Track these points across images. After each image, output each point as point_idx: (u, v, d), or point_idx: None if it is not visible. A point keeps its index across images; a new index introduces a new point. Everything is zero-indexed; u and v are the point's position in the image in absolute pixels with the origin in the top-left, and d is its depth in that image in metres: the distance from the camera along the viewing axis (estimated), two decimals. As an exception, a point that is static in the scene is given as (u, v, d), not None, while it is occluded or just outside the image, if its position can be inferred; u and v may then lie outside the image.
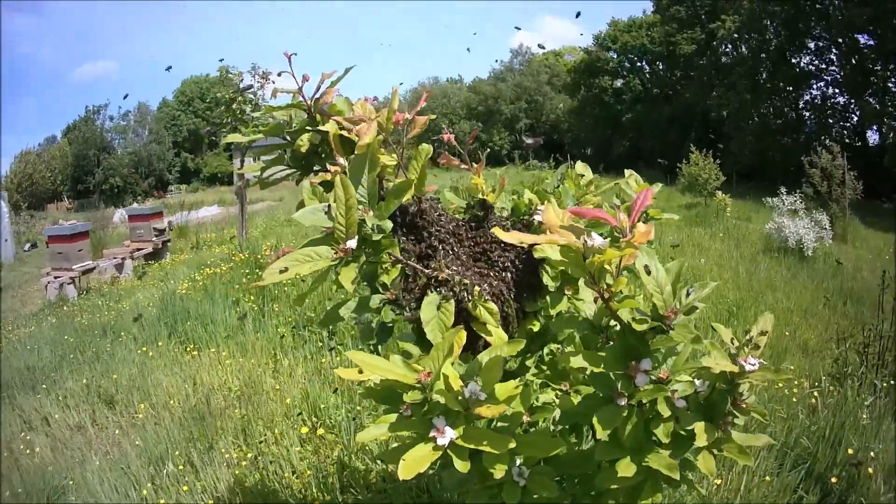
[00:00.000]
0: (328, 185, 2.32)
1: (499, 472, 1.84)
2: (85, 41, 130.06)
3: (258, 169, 2.78)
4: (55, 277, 14.93)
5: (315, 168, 2.64)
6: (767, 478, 4.64)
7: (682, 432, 2.04)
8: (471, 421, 1.87)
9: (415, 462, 1.74)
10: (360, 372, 1.87)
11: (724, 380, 2.09)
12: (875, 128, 42.52)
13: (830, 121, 47.04)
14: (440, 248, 2.38)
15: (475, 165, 2.57)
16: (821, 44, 47.75)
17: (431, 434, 1.81)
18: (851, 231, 20.23)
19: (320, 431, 5.62)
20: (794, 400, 5.90)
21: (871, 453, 4.88)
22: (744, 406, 2.14)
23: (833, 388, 6.33)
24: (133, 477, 5.40)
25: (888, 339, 6.98)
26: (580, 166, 2.91)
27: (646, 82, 65.83)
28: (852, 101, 44.82)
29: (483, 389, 1.89)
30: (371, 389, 2.04)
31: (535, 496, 2.09)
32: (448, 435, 1.79)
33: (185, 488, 5.08)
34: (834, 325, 8.87)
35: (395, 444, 1.95)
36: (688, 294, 2.06)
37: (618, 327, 2.08)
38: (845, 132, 47.07)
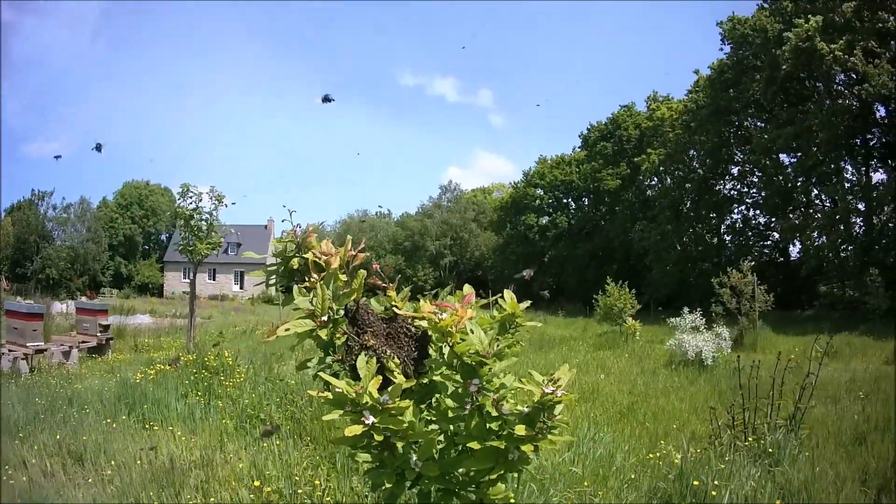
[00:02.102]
0: (308, 290, 4.07)
1: (399, 444, 3.58)
2: (41, 116, 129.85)
3: (263, 275, 4.48)
4: (9, 350, 15.95)
5: (296, 279, 4.40)
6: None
7: (511, 431, 3.81)
8: (384, 415, 3.60)
9: (351, 432, 3.46)
10: (327, 384, 3.61)
11: (538, 402, 3.83)
12: (798, 242, 44.62)
13: (751, 241, 49.86)
14: (368, 330, 4.12)
15: (391, 285, 4.35)
16: (744, 168, 50.61)
17: (362, 420, 3.52)
18: (762, 339, 21.58)
19: (266, 489, 7.01)
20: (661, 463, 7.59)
21: (715, 481, 6.45)
22: (554, 419, 3.89)
23: (699, 451, 8.01)
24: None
25: (751, 410, 8.90)
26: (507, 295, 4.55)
27: (570, 219, 67.98)
28: (773, 219, 47.38)
29: (390, 398, 3.61)
30: (329, 400, 3.75)
31: (425, 480, 3.85)
32: (370, 419, 3.51)
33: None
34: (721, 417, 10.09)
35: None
36: (498, 345, 3.82)
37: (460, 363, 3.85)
38: (766, 250, 49.96)
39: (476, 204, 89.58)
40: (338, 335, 4.04)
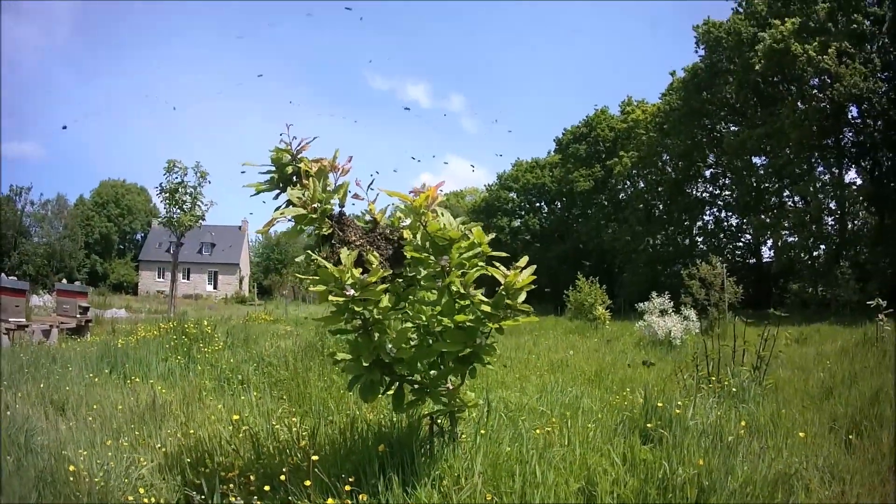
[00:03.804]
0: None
1: (376, 333, 3.90)
2: (16, 116, 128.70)
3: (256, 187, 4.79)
4: (-9, 324, 15.94)
5: (289, 184, 4.72)
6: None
7: (479, 313, 4.13)
8: (362, 290, 3.92)
9: (333, 299, 3.78)
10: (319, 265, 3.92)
11: (502, 288, 4.14)
12: (769, 242, 45.11)
13: (723, 242, 50.06)
14: (349, 228, 4.44)
15: (371, 202, 4.67)
16: (716, 170, 51.04)
17: (343, 292, 3.83)
18: (731, 330, 21.80)
19: (244, 427, 7.15)
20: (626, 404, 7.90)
21: (679, 402, 6.73)
22: (517, 303, 4.20)
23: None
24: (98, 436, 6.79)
25: (712, 363, 9.35)
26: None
27: (543, 221, 68.08)
28: (744, 220, 47.77)
29: (368, 279, 3.93)
30: (315, 279, 4.04)
31: (399, 367, 4.18)
32: (351, 292, 3.82)
33: (143, 440, 6.68)
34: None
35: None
36: (469, 230, 4.14)
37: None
38: (737, 251, 50.27)
39: (449, 207, 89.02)
40: (324, 227, 4.37)
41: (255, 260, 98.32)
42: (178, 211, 19.63)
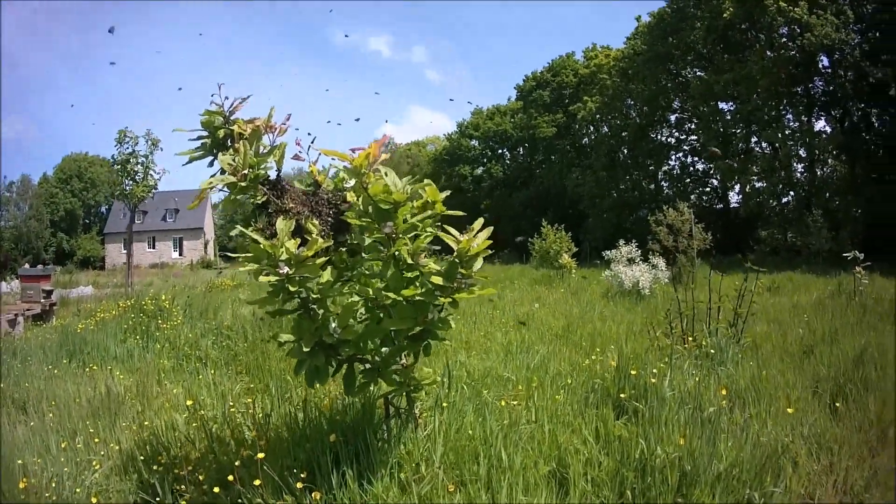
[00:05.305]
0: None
1: (319, 310, 3.49)
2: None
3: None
4: (-45, 317, 15.47)
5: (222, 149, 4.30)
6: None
7: (429, 285, 3.73)
8: (298, 266, 3.51)
9: (265, 279, 3.37)
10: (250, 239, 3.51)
11: (455, 256, 3.75)
12: (738, 189, 44.97)
13: (690, 187, 49.72)
14: (287, 194, 4.02)
15: (312, 164, 4.26)
16: (681, 116, 50.53)
17: (276, 271, 3.42)
18: (700, 278, 21.56)
19: (200, 412, 6.84)
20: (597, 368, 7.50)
21: (654, 369, 6.40)
22: (472, 273, 3.82)
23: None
24: (53, 438, 6.50)
25: (686, 320, 9.06)
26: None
27: (506, 169, 67.88)
28: (710, 165, 47.60)
29: (305, 252, 3.52)
30: (247, 256, 3.64)
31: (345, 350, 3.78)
32: (285, 270, 3.41)
33: (96, 439, 6.31)
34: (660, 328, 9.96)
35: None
36: (411, 191, 3.75)
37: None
38: (704, 197, 50.04)
39: (410, 157, 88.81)
40: (258, 195, 3.95)
41: (218, 223, 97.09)
42: (131, 182, 19.10)
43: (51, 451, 6.07)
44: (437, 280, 3.61)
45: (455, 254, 3.71)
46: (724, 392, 6.00)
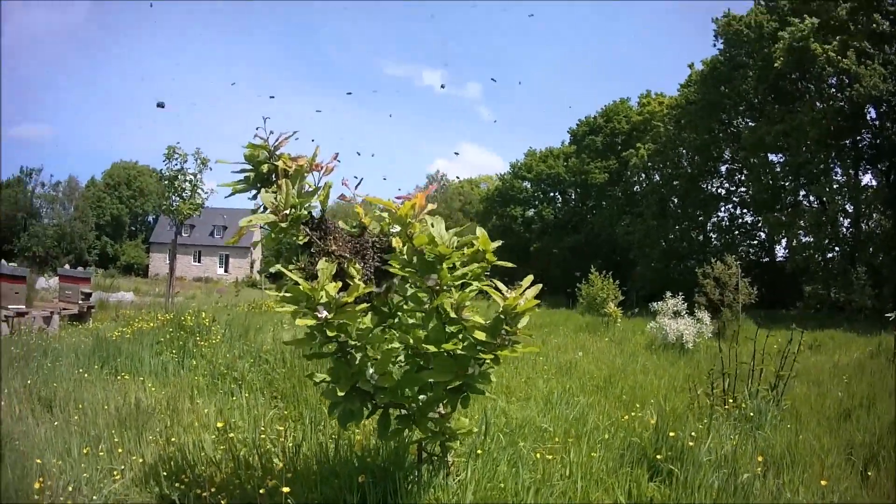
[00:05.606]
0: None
1: (357, 354, 3.45)
2: (22, 99, 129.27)
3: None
4: (-10, 311, 15.73)
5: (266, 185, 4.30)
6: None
7: (471, 338, 3.68)
8: (338, 311, 3.47)
9: (302, 323, 3.33)
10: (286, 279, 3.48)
11: (500, 311, 3.71)
12: (784, 242, 44.18)
13: (737, 240, 49.21)
14: (331, 236, 3.99)
15: (358, 204, 4.24)
16: (732, 166, 50.09)
17: (315, 314, 3.39)
18: (744, 332, 21.29)
19: (231, 434, 6.82)
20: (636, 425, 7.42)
21: (692, 433, 6.31)
22: (517, 329, 3.77)
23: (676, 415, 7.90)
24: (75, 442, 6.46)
25: (729, 380, 8.90)
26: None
27: (557, 212, 67.11)
28: (759, 218, 46.69)
29: (347, 298, 3.48)
30: (284, 297, 3.61)
31: (381, 395, 3.72)
32: (324, 314, 3.37)
33: (120, 449, 6.30)
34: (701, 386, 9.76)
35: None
36: (457, 244, 3.70)
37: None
38: (751, 249, 49.37)
39: (462, 195, 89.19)
40: (300, 236, 3.93)
41: (265, 252, 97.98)
42: (178, 199, 19.37)
43: (71, 454, 6.07)
44: (480, 336, 3.56)
45: (501, 310, 3.65)
46: (760, 458, 5.90)
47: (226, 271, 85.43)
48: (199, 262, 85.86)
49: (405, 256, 3.73)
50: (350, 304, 3.48)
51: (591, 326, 23.72)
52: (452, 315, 3.61)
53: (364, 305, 3.64)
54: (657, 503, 4.78)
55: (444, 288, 3.64)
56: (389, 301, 4.15)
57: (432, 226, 3.66)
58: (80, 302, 19.48)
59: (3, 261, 20.57)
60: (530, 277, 3.87)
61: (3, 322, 15.53)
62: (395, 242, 3.94)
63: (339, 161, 4.27)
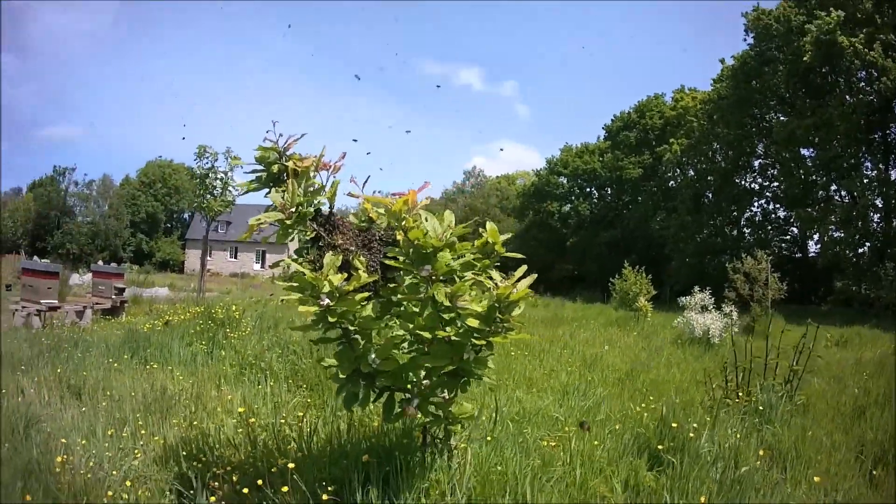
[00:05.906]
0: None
1: (361, 340, 3.70)
2: (58, 100, 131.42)
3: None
4: (23, 307, 16.26)
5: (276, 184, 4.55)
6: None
7: (465, 325, 3.91)
8: (340, 299, 3.71)
9: (305, 310, 3.58)
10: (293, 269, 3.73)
11: (494, 300, 3.92)
12: (816, 237, 44.32)
13: (770, 235, 49.07)
14: (338, 231, 4.24)
15: (364, 196, 4.48)
16: (765, 161, 49.87)
17: (318, 302, 3.64)
18: (773, 327, 21.15)
19: (252, 420, 7.06)
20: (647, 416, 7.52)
21: (695, 424, 6.44)
22: (510, 317, 3.98)
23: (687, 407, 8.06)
24: (100, 424, 6.72)
25: (743, 373, 8.98)
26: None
27: (592, 207, 66.99)
28: (791, 213, 46.73)
29: (346, 287, 3.72)
30: (290, 286, 3.86)
31: (382, 379, 3.97)
32: (326, 301, 3.62)
33: (143, 431, 6.57)
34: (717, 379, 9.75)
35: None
36: (451, 235, 3.92)
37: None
38: (784, 244, 49.30)
39: (500, 190, 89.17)
40: (307, 231, 4.19)
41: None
42: (209, 196, 19.82)
43: (96, 434, 6.32)
44: (474, 322, 3.77)
45: (494, 298, 3.87)
46: (762, 453, 6.04)
47: (262, 267, 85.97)
48: (235, 257, 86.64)
49: (402, 249, 3.96)
50: (351, 293, 3.73)
51: (621, 321, 23.72)
52: (447, 303, 3.84)
53: (364, 295, 3.87)
54: (654, 491, 4.92)
55: (440, 278, 3.87)
56: (394, 290, 4.39)
57: (426, 220, 3.89)
58: (112, 297, 19.72)
59: (35, 257, 21.05)
60: (524, 268, 4.09)
61: (34, 316, 15.94)
62: (399, 236, 4.17)
63: (344, 163, 4.52)
